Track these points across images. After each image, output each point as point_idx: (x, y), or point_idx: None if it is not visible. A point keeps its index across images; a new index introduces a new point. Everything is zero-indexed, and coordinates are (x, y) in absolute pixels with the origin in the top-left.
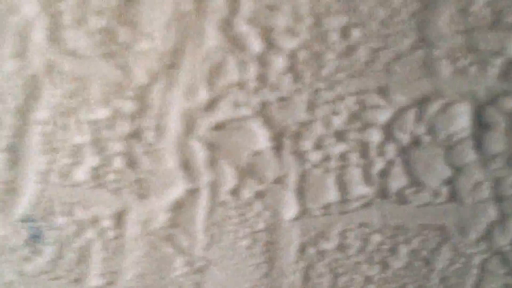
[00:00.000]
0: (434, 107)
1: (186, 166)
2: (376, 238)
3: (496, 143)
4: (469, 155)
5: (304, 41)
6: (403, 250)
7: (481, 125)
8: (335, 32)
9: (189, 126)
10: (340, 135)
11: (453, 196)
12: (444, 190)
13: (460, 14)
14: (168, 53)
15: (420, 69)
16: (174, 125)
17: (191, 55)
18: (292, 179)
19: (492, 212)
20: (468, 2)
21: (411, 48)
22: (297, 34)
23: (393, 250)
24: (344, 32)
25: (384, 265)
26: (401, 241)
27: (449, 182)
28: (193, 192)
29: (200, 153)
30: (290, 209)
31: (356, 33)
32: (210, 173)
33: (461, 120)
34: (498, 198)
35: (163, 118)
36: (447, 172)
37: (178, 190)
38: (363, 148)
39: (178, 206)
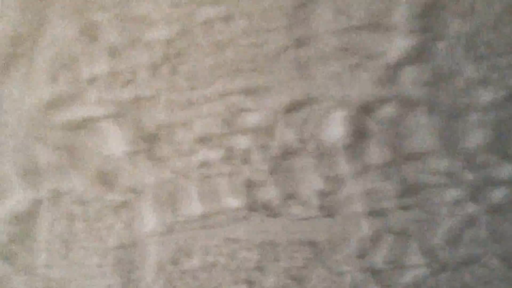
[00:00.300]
0: (309, 112)
1: (29, 171)
2: (245, 254)
3: (373, 153)
4: (345, 166)
5: (171, 34)
6: (274, 267)
7: (357, 133)
8: (206, 25)
9: (34, 126)
10: (206, 140)
11: (328, 210)
12: (318, 203)
13: (337, 14)
14: (14, 41)
15: (296, 70)
16: (17, 123)
17: (41, 45)
18: (151, 188)
19: (367, 227)
20: (345, 2)
21: (287, 47)
22: (162, 26)
23: (262, 268)
24: (215, 25)
25: (252, 284)
26: (272, 258)
27: (324, 194)
28: (35, 202)
29: (45, 157)
30: (148, 222)
31: (227, 28)
32: (55, 180)
33: (337, 127)
34: (374, 212)
35: (4, 115)
36: (321, 184)
37: (17, 199)
38: (232, 155)
39: (18, 218)
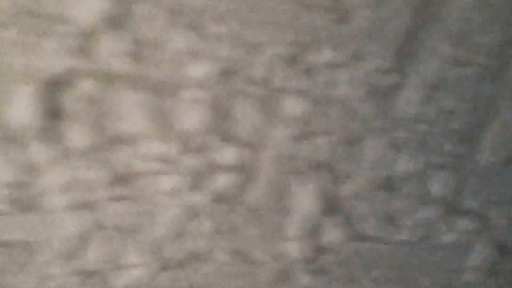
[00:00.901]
0: None
1: None
2: None
3: (72, 136)
4: (39, 152)
5: None
6: None
7: (50, 113)
8: None
9: None
10: None
11: (23, 204)
12: (10, 197)
13: None
14: None
15: None
16: None
17: None
18: None
19: (73, 223)
20: None
21: None
22: None
23: None
24: None
25: None
26: None
27: (16, 186)
28: None
29: None
30: None
31: None
32: None
33: (23, 105)
34: (81, 206)
35: None
36: (11, 174)
37: None
38: None
39: None
